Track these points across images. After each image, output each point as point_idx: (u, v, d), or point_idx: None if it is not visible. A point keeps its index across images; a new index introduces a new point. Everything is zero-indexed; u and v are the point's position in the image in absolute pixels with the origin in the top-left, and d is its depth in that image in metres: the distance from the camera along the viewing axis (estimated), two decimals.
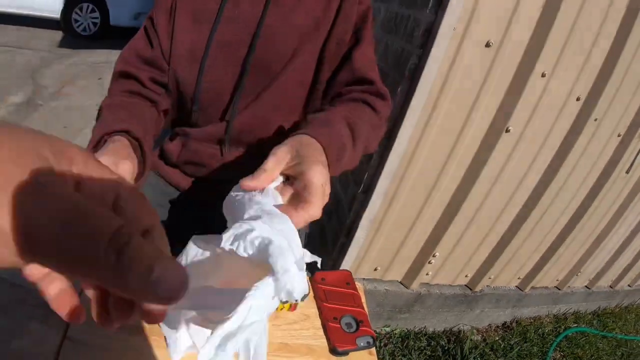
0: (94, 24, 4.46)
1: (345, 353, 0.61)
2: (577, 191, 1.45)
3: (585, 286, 1.99)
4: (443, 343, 1.68)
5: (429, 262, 1.37)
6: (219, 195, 0.43)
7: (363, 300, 0.70)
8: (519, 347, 1.77)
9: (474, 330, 1.77)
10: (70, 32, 4.45)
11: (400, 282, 1.46)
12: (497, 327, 1.87)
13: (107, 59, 3.83)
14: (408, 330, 1.67)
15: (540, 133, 1.20)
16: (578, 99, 1.21)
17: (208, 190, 0.66)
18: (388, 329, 1.63)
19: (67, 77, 3.30)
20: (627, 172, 1.53)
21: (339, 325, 0.65)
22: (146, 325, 0.52)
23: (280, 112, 0.68)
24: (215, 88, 0.66)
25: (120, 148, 0.50)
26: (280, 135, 0.69)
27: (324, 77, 0.66)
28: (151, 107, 0.66)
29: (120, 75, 0.66)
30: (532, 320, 1.94)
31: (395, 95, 1.03)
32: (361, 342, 0.63)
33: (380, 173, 1.09)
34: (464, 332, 1.74)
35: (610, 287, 2.10)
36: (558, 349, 1.91)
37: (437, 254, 1.35)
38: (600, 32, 1.10)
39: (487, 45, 0.98)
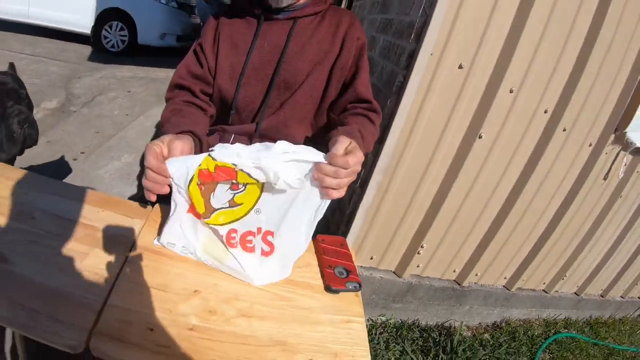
0: (122, 41, 4.98)
1: (337, 291, 0.84)
2: (553, 197, 1.70)
3: (575, 292, 2.20)
4: (434, 335, 1.90)
5: (418, 253, 1.63)
6: None
7: (353, 259, 0.97)
8: (507, 345, 1.98)
9: (464, 327, 1.99)
10: (99, 47, 4.96)
11: (394, 272, 1.72)
12: (487, 325, 2.09)
13: (134, 74, 4.28)
14: (402, 321, 1.90)
15: (511, 141, 1.48)
16: (546, 112, 1.48)
17: None
18: (383, 319, 1.87)
19: (97, 89, 3.72)
20: (605, 178, 1.78)
21: (333, 272, 0.90)
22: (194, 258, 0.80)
23: (296, 118, 0.99)
24: (249, 98, 0.97)
25: (185, 139, 0.78)
26: (295, 133, 0.99)
27: (330, 94, 0.97)
28: (204, 114, 0.97)
29: (177, 86, 0.98)
30: (521, 322, 2.15)
31: (386, 107, 1.33)
32: (350, 285, 0.87)
33: (373, 169, 1.38)
34: (454, 327, 1.97)
35: (601, 296, 2.30)
36: (547, 351, 2.09)
37: (424, 245, 1.61)
38: (563, 52, 1.37)
39: (460, 67, 1.28)
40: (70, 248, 0.77)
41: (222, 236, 0.76)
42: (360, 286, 0.88)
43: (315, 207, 0.75)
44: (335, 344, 0.74)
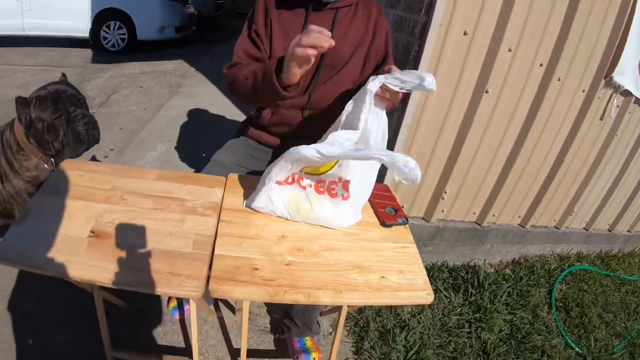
0: (122, 39, 5.30)
1: (390, 225, 1.17)
2: (554, 140, 2.05)
3: (584, 228, 2.57)
4: (462, 274, 2.25)
5: (442, 198, 1.99)
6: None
7: (397, 200, 1.30)
8: (527, 278, 2.35)
9: (488, 264, 2.37)
10: (100, 49, 5.28)
11: (422, 218, 2.09)
12: (508, 262, 2.46)
13: (142, 70, 4.61)
14: (432, 264, 2.27)
15: (514, 93, 1.82)
16: (541, 65, 1.81)
17: (291, 144, 1.01)
18: None
19: (110, 88, 4.05)
20: (601, 119, 2.12)
21: (384, 211, 1.23)
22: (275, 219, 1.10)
23: (340, 92, 1.29)
24: (302, 77, 1.29)
25: None
26: (337, 105, 1.27)
27: (367, 72, 1.29)
28: None
29: (236, 65, 1.23)
30: (538, 258, 2.52)
31: None
32: (399, 220, 1.20)
33: (400, 126, 1.74)
34: (478, 265, 2.34)
35: (609, 230, 2.67)
36: (564, 282, 2.47)
37: (447, 190, 1.97)
38: (552, 10, 1.68)
39: (465, 33, 1.63)
40: (168, 217, 1.02)
41: (311, 186, 1.06)
42: (407, 220, 1.20)
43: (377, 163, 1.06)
44: (398, 263, 1.04)
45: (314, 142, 0.96)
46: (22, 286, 1.66)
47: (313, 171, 1.06)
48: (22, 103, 1.30)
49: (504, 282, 2.27)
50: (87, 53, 5.22)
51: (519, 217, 2.30)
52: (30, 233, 0.93)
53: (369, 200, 1.25)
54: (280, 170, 1.02)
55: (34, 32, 5.10)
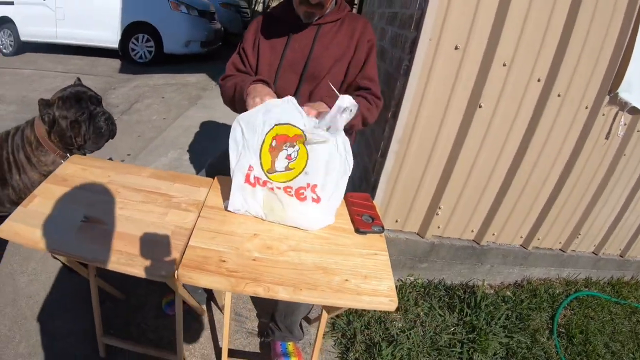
0: (149, 52, 5.61)
1: (365, 233, 1.21)
2: (556, 159, 2.02)
3: (593, 252, 2.50)
4: (459, 293, 2.24)
5: (437, 214, 2.01)
6: None
7: (377, 210, 1.34)
8: (528, 301, 2.30)
9: (487, 285, 2.34)
10: (128, 59, 5.60)
11: (417, 233, 2.11)
12: (509, 284, 2.42)
13: (166, 81, 4.86)
14: (429, 281, 2.27)
15: (510, 109, 1.82)
16: (539, 80, 1.80)
17: None
18: (412, 278, 2.25)
19: (133, 97, 4.29)
20: (606, 138, 2.08)
21: (361, 218, 1.28)
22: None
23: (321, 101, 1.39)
24: (284, 88, 1.40)
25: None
26: None
27: (347, 83, 1.38)
28: None
29: (228, 77, 1.42)
30: (542, 281, 2.46)
31: (396, 88, 1.74)
32: (375, 228, 1.24)
33: (391, 139, 1.78)
34: (477, 286, 2.32)
35: (620, 256, 2.59)
36: (569, 307, 2.39)
37: (442, 206, 1.99)
38: (549, 24, 1.67)
39: (456, 48, 1.67)
40: (153, 210, 1.13)
41: (279, 188, 1.13)
42: (383, 229, 1.23)
43: (342, 163, 1.11)
44: (365, 269, 1.07)
45: None
46: (30, 271, 1.81)
47: (279, 178, 1.13)
48: (44, 104, 1.48)
49: (503, 304, 2.23)
50: (114, 63, 5.56)
51: (521, 237, 2.27)
52: (33, 214, 1.07)
53: (347, 207, 1.32)
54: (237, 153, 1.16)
55: (66, 40, 5.50)
